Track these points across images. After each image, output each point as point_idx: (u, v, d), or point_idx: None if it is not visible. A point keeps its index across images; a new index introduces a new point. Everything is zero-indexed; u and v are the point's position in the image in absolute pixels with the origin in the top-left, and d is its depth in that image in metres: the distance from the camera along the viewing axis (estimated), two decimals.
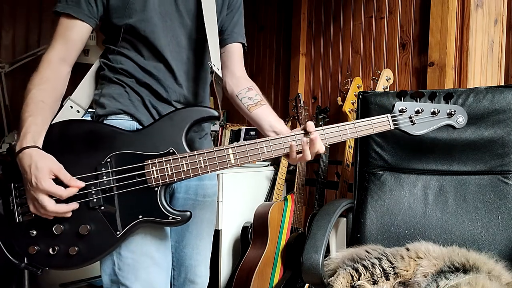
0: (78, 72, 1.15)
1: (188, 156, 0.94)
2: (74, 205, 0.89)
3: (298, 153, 0.97)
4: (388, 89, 1.95)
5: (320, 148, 0.97)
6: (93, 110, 1.08)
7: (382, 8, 2.09)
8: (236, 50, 1.18)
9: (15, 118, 2.61)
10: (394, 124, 1.06)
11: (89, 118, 1.09)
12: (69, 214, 0.90)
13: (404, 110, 1.06)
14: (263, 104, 1.10)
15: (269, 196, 2.41)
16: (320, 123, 2.17)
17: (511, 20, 1.82)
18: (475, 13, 1.73)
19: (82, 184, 0.90)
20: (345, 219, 1.57)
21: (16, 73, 2.61)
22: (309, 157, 0.97)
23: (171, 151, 0.94)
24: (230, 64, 1.17)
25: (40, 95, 0.93)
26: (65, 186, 0.88)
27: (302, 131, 0.98)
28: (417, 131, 1.07)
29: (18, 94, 2.66)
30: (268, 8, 2.91)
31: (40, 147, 0.89)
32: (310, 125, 0.97)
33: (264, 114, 1.08)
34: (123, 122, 1.02)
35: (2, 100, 2.51)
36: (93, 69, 1.13)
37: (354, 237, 1.47)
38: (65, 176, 0.88)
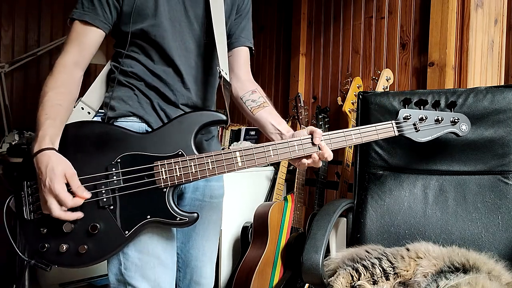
0: None
1: (197, 158, 0.95)
2: (79, 214, 0.90)
3: (305, 158, 1.00)
4: (388, 89, 1.95)
5: (329, 155, 0.99)
6: (103, 112, 1.10)
7: (382, 8, 2.09)
8: (242, 53, 1.20)
9: (14, 118, 2.61)
10: (399, 131, 1.09)
11: (99, 120, 1.10)
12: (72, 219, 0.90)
13: (408, 117, 1.09)
14: (266, 106, 1.12)
15: (269, 196, 2.41)
16: (320, 123, 2.17)
17: (511, 20, 1.82)
18: (475, 13, 1.73)
19: (88, 195, 0.91)
20: (345, 219, 1.57)
21: (15, 73, 2.61)
22: (319, 164, 1.00)
23: (180, 153, 0.96)
24: (236, 68, 1.19)
25: (57, 98, 0.95)
26: (73, 194, 0.89)
27: (309, 136, 0.99)
28: (421, 138, 1.10)
29: (18, 94, 2.66)
30: (268, 8, 2.91)
31: (57, 149, 0.91)
32: (318, 135, 0.98)
33: (267, 116, 1.10)
34: (133, 124, 1.04)
35: (2, 100, 2.51)
36: (104, 72, 1.15)
37: (354, 237, 1.47)
38: (75, 183, 0.89)
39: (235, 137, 2.74)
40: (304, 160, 0.99)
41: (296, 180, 2.19)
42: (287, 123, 2.45)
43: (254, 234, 2.12)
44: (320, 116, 2.20)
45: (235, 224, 2.25)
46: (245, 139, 2.66)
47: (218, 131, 2.81)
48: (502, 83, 1.82)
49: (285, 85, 2.75)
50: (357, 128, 1.04)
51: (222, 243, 2.20)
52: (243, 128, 2.70)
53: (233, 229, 2.24)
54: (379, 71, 2.01)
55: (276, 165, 2.42)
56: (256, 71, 2.95)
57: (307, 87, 2.56)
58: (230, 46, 1.19)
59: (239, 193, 2.26)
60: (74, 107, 1.08)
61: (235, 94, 1.17)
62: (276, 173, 2.39)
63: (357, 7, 2.23)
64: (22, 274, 1.83)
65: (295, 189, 2.19)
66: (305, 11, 2.54)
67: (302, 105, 2.26)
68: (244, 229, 2.21)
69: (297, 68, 2.56)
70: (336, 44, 2.37)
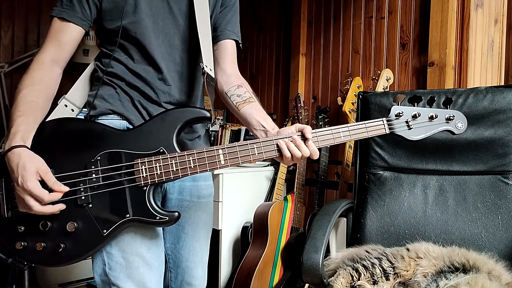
0: (77, 72, 1.15)
1: (178, 156, 0.93)
2: (60, 206, 0.89)
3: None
4: (388, 89, 1.95)
5: (314, 153, 0.94)
6: (87, 111, 1.09)
7: (382, 8, 2.09)
8: (228, 47, 1.17)
9: None
10: (390, 128, 1.02)
11: (79, 117, 1.09)
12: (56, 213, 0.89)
13: (400, 114, 1.02)
14: (251, 102, 1.08)
15: (269, 196, 2.41)
16: (320, 123, 2.17)
17: (511, 20, 1.82)
18: (475, 13, 1.73)
19: (66, 188, 0.89)
20: (345, 219, 1.57)
21: (15, 73, 2.61)
22: (298, 160, 0.95)
23: (161, 150, 0.94)
24: (221, 61, 1.15)
25: (31, 95, 0.94)
26: (50, 190, 0.88)
27: (298, 134, 0.95)
28: (414, 136, 1.04)
29: None
30: (268, 8, 2.91)
31: (29, 146, 0.89)
32: (309, 130, 0.94)
33: (252, 111, 1.06)
34: (113, 121, 1.03)
35: (2, 100, 2.51)
36: (88, 70, 1.14)
37: (354, 237, 1.47)
38: (50, 179, 0.88)
39: (235, 137, 2.74)
40: (288, 155, 0.94)
41: (296, 180, 2.19)
42: (287, 123, 2.45)
43: (254, 234, 2.12)
44: (320, 116, 2.19)
45: (235, 224, 2.25)
46: (244, 139, 2.66)
47: (218, 131, 2.83)
48: (502, 83, 1.82)
49: (285, 85, 2.75)
50: (345, 125, 0.99)
51: (222, 243, 2.19)
52: (243, 128, 2.70)
53: (233, 229, 2.24)
54: (379, 71, 2.01)
55: (276, 165, 2.42)
56: (256, 71, 2.96)
57: (307, 87, 2.56)
58: (215, 39, 1.16)
59: (239, 193, 2.26)
60: (57, 104, 1.06)
61: (220, 88, 1.13)
62: (276, 173, 2.39)
63: (357, 7, 2.23)
64: (21, 274, 1.83)
65: (295, 189, 2.19)
66: (305, 11, 2.54)
67: (302, 105, 2.26)
68: (244, 229, 2.20)
69: (297, 68, 2.56)
70: (336, 44, 2.37)
